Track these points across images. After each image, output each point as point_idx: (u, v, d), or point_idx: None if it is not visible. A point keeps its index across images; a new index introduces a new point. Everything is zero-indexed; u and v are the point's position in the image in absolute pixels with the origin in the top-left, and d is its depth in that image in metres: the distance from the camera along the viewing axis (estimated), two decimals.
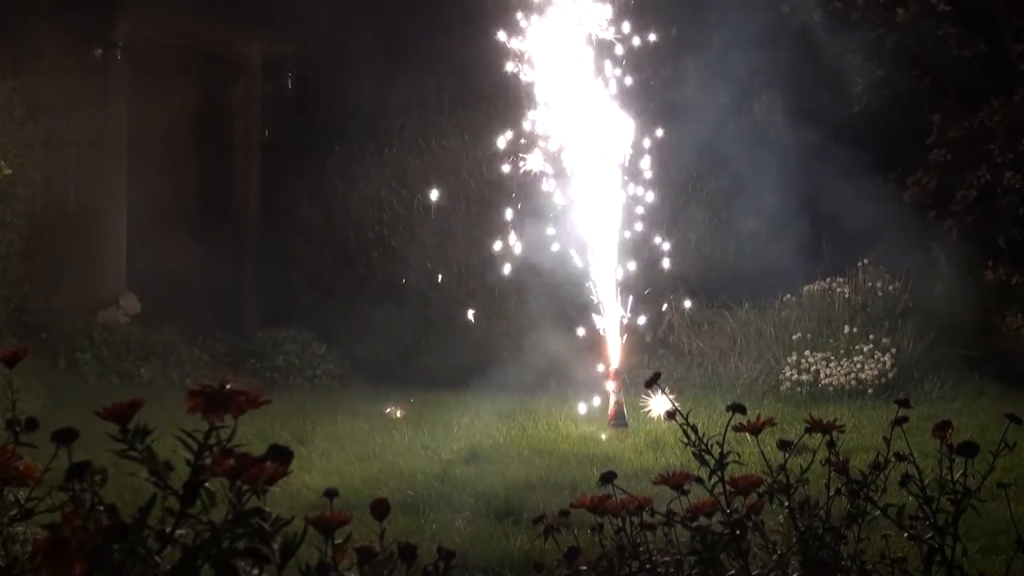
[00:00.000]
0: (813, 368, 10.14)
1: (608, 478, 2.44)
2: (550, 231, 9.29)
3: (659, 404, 8.15)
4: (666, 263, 9.97)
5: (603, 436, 8.22)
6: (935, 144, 11.57)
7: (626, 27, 9.17)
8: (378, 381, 10.73)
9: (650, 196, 9.45)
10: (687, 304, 10.89)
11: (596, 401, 9.10)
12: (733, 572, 2.20)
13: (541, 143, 9.06)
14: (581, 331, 9.38)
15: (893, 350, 10.19)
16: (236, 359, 11.12)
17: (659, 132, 9.65)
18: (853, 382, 9.98)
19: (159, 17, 12.12)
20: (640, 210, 9.40)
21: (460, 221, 11.33)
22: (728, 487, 2.22)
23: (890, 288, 10.98)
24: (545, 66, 9.01)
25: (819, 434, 2.43)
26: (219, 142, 13.19)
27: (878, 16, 11.51)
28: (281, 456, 1.67)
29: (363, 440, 7.95)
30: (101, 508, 1.71)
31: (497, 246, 9.50)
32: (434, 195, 10.81)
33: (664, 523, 2.31)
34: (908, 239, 12.31)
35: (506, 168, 9.32)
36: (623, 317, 9.01)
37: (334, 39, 12.84)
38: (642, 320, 9.58)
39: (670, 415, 2.40)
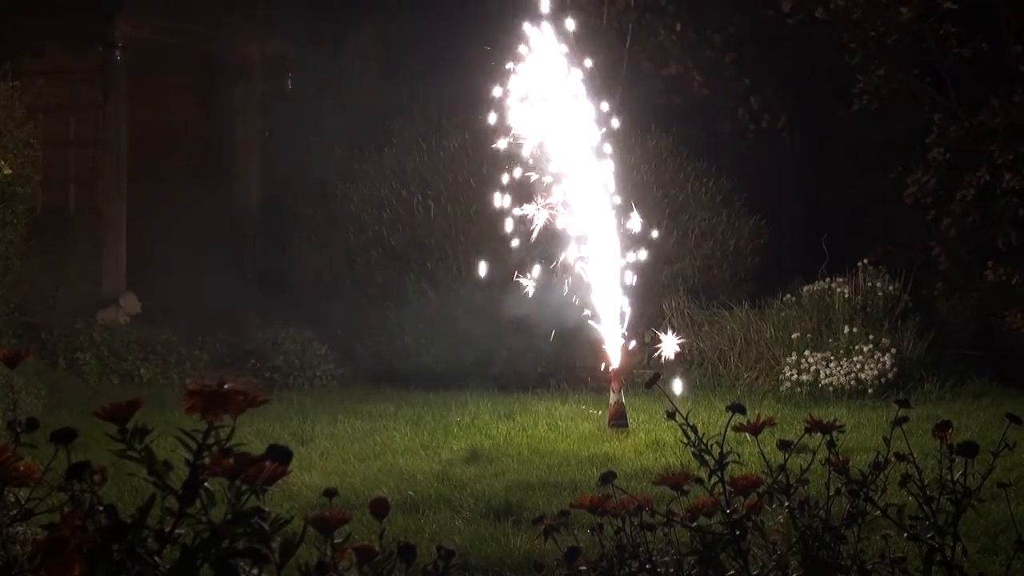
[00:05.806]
0: (813, 368, 10.12)
1: (608, 478, 2.45)
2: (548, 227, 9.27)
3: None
4: (665, 263, 9.95)
5: (603, 436, 8.21)
6: (935, 144, 11.54)
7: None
8: (378, 381, 10.72)
9: (649, 197, 9.43)
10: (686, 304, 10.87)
11: (596, 401, 9.08)
12: (733, 572, 2.20)
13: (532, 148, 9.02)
14: (581, 332, 9.36)
15: (893, 350, 10.18)
16: (236, 359, 11.10)
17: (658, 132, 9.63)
18: (853, 382, 9.97)
19: (159, 17, 12.11)
20: (639, 210, 9.38)
21: (461, 220, 11.32)
22: (728, 487, 2.22)
23: (890, 288, 10.96)
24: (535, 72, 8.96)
25: (819, 434, 2.43)
26: (219, 142, 13.18)
27: (878, 15, 11.48)
28: (280, 456, 1.67)
29: (363, 440, 7.94)
30: (100, 508, 1.71)
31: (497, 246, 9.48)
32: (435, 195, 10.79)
33: (664, 523, 2.31)
34: (908, 239, 12.31)
35: (505, 178, 9.25)
36: (623, 317, 8.99)
37: (334, 39, 12.84)
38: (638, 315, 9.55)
39: (670, 415, 2.40)
